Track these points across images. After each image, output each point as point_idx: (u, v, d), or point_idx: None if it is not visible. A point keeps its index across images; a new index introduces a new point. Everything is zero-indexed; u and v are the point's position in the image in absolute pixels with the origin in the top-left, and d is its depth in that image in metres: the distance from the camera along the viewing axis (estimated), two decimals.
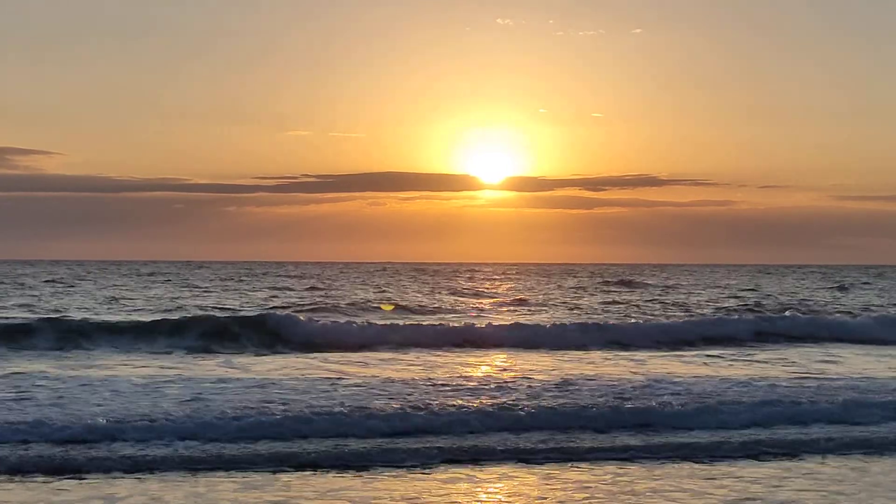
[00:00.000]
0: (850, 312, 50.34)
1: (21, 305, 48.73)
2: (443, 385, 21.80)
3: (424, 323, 38.39)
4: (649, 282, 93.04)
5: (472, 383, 22.26)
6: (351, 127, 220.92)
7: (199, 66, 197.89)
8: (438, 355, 29.51)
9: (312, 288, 74.50)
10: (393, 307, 50.74)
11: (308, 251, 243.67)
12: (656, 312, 49.80)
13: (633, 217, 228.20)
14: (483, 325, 37.12)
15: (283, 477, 13.96)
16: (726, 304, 57.35)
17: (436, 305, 54.34)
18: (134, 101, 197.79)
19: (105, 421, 16.66)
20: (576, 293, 71.11)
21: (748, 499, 12.99)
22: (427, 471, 14.49)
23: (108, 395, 19.86)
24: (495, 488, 13.59)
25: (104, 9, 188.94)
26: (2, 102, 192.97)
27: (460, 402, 19.19)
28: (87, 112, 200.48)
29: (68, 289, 67.90)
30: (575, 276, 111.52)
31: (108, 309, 47.36)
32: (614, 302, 58.58)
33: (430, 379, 22.92)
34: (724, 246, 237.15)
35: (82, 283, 78.66)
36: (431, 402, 19.05)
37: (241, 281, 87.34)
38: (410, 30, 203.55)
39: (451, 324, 38.21)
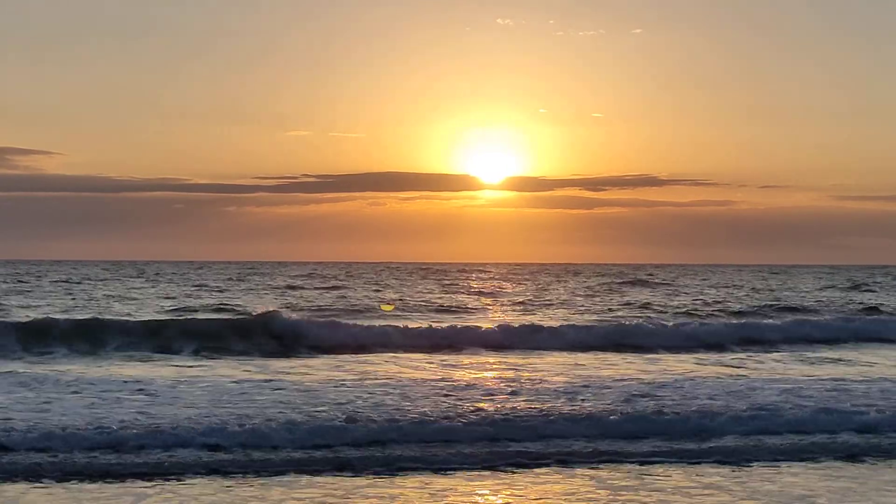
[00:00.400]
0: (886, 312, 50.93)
1: (30, 305, 49.18)
2: (473, 388, 22.22)
3: (446, 324, 38.37)
4: (661, 282, 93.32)
5: (499, 386, 22.72)
6: (351, 127, 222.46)
7: (199, 66, 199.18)
8: (467, 357, 30.08)
9: (322, 288, 74.99)
10: (393, 307, 50.74)
11: (308, 251, 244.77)
12: (685, 313, 49.91)
13: (633, 217, 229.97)
14: (505, 326, 37.17)
15: (313, 478, 14.49)
16: (752, 304, 57.45)
17: (455, 306, 54.73)
18: (134, 101, 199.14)
19: (136, 425, 17.04)
20: (592, 293, 71.29)
21: (757, 498, 13.58)
22: (471, 473, 14.94)
23: (135, 397, 20.27)
24: (535, 491, 13.99)
25: (104, 9, 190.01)
26: (2, 102, 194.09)
27: (492, 406, 19.57)
28: (87, 112, 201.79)
29: (76, 289, 68.39)
30: (585, 276, 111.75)
31: (123, 309, 47.68)
32: (629, 303, 58.60)
33: (466, 382, 23.32)
34: (725, 246, 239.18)
35: (89, 283, 79.12)
36: (469, 407, 19.30)
37: (251, 280, 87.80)
38: (410, 30, 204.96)
39: (472, 325, 38.29)
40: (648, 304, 56.94)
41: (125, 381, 22.70)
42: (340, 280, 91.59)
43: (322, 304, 53.43)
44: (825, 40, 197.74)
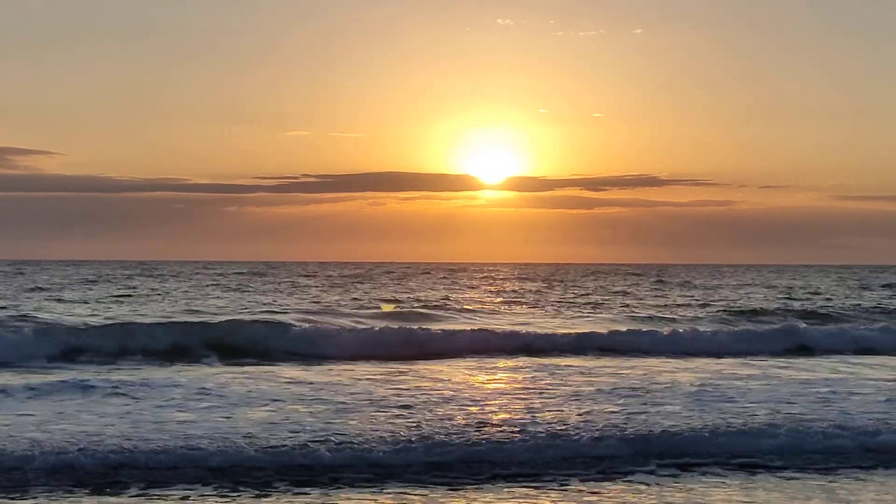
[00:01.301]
0: None
1: (37, 308, 48.82)
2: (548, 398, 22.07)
3: (505, 329, 37.63)
4: (681, 282, 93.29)
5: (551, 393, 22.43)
6: (351, 127, 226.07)
7: (199, 66, 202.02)
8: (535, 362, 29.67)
9: (341, 289, 74.94)
10: (394, 307, 50.36)
11: (308, 251, 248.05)
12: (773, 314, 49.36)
13: (633, 217, 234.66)
14: (550, 331, 37.00)
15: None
16: (817, 305, 57.15)
17: (499, 308, 54.70)
18: (134, 101, 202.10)
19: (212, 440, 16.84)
20: (624, 294, 71.14)
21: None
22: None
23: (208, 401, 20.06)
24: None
25: (104, 9, 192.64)
26: (2, 102, 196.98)
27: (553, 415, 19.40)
28: (87, 112, 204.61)
29: (95, 289, 68.17)
30: (601, 276, 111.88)
31: (136, 311, 47.36)
32: (705, 304, 58.35)
33: (540, 391, 22.97)
34: (725, 246, 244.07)
35: (97, 283, 79.02)
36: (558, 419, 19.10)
37: (270, 282, 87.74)
38: (410, 30, 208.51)
39: (525, 330, 37.73)
40: (705, 304, 56.72)
41: (202, 386, 22.39)
42: (359, 281, 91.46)
43: (358, 306, 53.12)
44: (825, 40, 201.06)
